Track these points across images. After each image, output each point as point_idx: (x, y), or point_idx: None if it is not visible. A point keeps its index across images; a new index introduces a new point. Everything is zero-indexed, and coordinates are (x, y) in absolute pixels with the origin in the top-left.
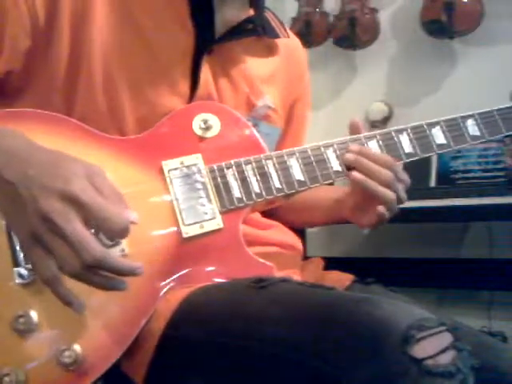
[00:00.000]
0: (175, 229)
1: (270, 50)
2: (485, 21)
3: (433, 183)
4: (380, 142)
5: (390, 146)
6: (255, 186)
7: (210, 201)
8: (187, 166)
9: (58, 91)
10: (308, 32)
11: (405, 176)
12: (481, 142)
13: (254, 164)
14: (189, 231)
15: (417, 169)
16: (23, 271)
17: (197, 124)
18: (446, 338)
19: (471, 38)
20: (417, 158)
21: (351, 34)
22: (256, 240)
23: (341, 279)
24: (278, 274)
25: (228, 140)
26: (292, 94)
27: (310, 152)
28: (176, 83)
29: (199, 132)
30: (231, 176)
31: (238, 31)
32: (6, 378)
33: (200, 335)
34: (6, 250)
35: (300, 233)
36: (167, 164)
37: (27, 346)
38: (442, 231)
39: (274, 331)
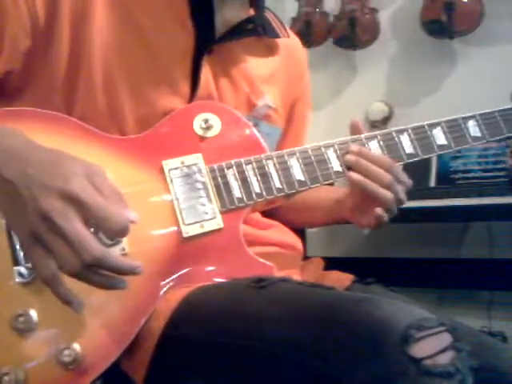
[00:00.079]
0: (175, 228)
1: (271, 50)
2: (485, 21)
3: (433, 183)
4: (381, 143)
5: (391, 146)
6: (255, 186)
7: (210, 200)
8: (188, 166)
9: (57, 91)
10: (308, 32)
11: (405, 177)
12: (481, 143)
13: (254, 164)
14: (189, 231)
15: (417, 169)
16: (23, 270)
17: (197, 124)
18: (446, 339)
19: (471, 37)
20: (417, 158)
21: (351, 34)
22: (256, 240)
23: (341, 279)
24: (278, 274)
25: (228, 140)
26: (292, 93)
27: (310, 152)
28: (176, 83)
29: (200, 132)
30: (231, 176)
31: (239, 31)
32: (6, 378)
33: (200, 335)
34: (6, 249)
35: (300, 233)
36: (168, 163)
37: (27, 345)
38: (442, 231)
39: (273, 331)
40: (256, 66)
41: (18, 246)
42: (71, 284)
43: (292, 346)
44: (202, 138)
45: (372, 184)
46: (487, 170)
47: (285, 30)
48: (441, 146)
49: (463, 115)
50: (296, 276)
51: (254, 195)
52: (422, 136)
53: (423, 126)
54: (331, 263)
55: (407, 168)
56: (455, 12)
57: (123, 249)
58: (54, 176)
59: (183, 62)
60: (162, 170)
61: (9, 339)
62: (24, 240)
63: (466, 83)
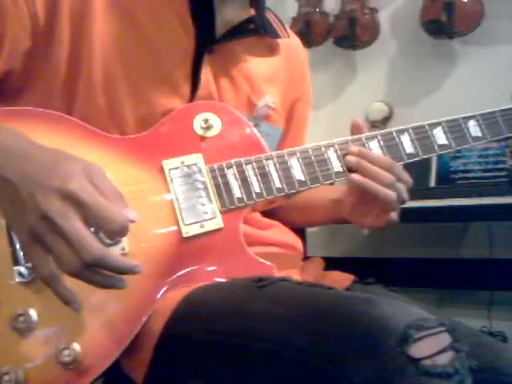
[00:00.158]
0: (175, 228)
1: (271, 50)
2: (485, 21)
3: (433, 183)
4: (381, 143)
5: (391, 146)
6: (256, 186)
7: (210, 200)
8: (188, 166)
9: (58, 91)
10: (308, 32)
11: (406, 176)
12: (481, 143)
13: (254, 164)
14: (189, 231)
15: (417, 169)
16: (23, 270)
17: (197, 123)
18: (445, 339)
19: (471, 37)
20: (418, 158)
21: (351, 34)
22: (256, 240)
23: (341, 279)
24: (278, 273)
25: (229, 140)
26: (293, 93)
27: (310, 152)
28: (176, 83)
29: (200, 131)
30: (232, 176)
31: (239, 31)
32: (6, 377)
33: (199, 334)
34: (6, 248)
35: (300, 233)
36: (168, 163)
37: (27, 345)
38: (442, 231)
39: (273, 330)
40: (256, 66)
41: (18, 246)
42: (71, 284)
43: (292, 345)
44: (202, 138)
45: (374, 184)
46: (487, 170)
47: (285, 30)
48: (441, 146)
49: (464, 115)
50: (296, 276)
51: (254, 195)
52: (422, 136)
53: (424, 126)
54: (331, 263)
55: (407, 168)
56: (455, 12)
57: (123, 248)
58: (54, 176)
59: (183, 62)
60: (162, 170)
61: (9, 339)
62: (24, 240)
63: (465, 83)
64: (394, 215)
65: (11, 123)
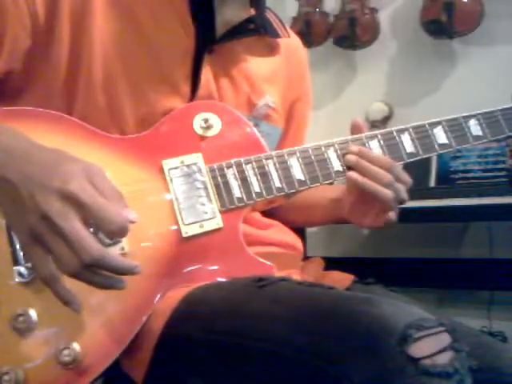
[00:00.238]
0: (175, 228)
1: (271, 50)
2: (485, 21)
3: (433, 183)
4: (381, 142)
5: (392, 145)
6: (255, 186)
7: (210, 200)
8: (187, 165)
9: (58, 90)
10: (308, 32)
11: (406, 176)
12: (481, 143)
13: (254, 163)
14: (189, 230)
15: (417, 169)
16: (23, 270)
17: (197, 123)
18: (445, 339)
19: (471, 37)
20: (418, 157)
21: (351, 34)
22: (256, 240)
23: (341, 279)
24: (278, 273)
25: (228, 139)
26: (293, 93)
27: (310, 152)
28: (177, 83)
29: (200, 131)
30: (231, 175)
31: (239, 31)
32: (6, 377)
33: (199, 334)
34: (6, 248)
35: (300, 233)
36: (167, 163)
37: (26, 345)
38: (442, 231)
39: (273, 330)
40: (256, 65)
41: (17, 246)
42: (71, 284)
43: (292, 345)
44: (202, 138)
45: (372, 183)
46: (487, 170)
47: (285, 29)
48: (442, 145)
49: (464, 114)
50: (296, 276)
51: (253, 195)
52: (422, 135)
53: (424, 125)
54: (331, 263)
55: (407, 168)
56: (455, 12)
57: (122, 248)
58: (54, 176)
59: (184, 62)
60: (161, 170)
61: (9, 339)
62: (24, 240)
63: (465, 83)
64: (393, 215)
65: (11, 123)
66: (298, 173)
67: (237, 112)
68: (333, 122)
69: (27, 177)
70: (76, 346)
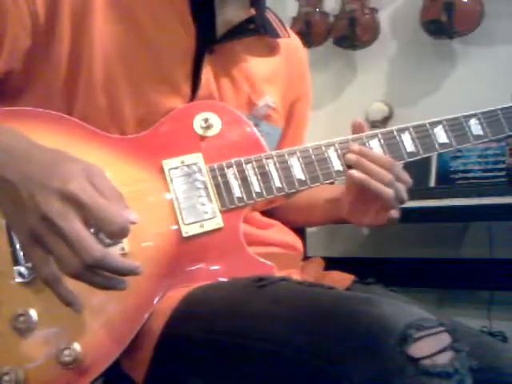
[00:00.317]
0: (175, 228)
1: (271, 50)
2: (485, 21)
3: (433, 183)
4: (382, 141)
5: (392, 145)
6: (256, 186)
7: (210, 200)
8: (188, 165)
9: (58, 91)
10: (308, 32)
11: (406, 176)
12: (482, 142)
13: (254, 163)
14: (189, 230)
15: (417, 169)
16: (23, 270)
17: (197, 123)
18: (445, 339)
19: (471, 37)
20: (419, 157)
21: (351, 34)
22: (256, 240)
23: (341, 279)
24: (278, 273)
25: (229, 139)
26: (293, 93)
27: (311, 151)
28: (177, 83)
29: (200, 131)
30: (232, 175)
31: (240, 31)
32: (6, 377)
33: (200, 334)
34: (6, 248)
35: (300, 233)
36: (168, 163)
37: (27, 345)
38: (442, 231)
39: (273, 330)
40: (257, 65)
41: (17, 246)
42: (71, 284)
43: (292, 345)
44: (202, 138)
45: (373, 182)
46: (487, 170)
47: (285, 29)
48: (442, 145)
49: (465, 113)
50: (296, 276)
51: (254, 194)
52: (423, 134)
53: (424, 125)
54: (331, 263)
55: (407, 168)
56: (455, 12)
57: (123, 248)
58: (54, 176)
59: (184, 62)
60: (162, 170)
61: (9, 339)
62: (24, 241)
63: (465, 83)
64: (395, 213)
65: (11, 123)
66: (298, 172)
67: (237, 112)
68: (333, 122)
69: (27, 177)
70: (76, 346)
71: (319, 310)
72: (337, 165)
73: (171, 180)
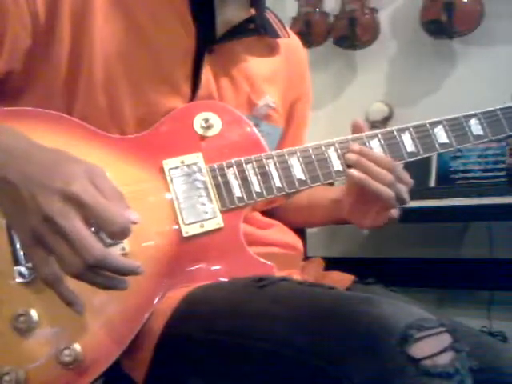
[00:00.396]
0: (176, 228)
1: (271, 50)
2: (485, 21)
3: (433, 183)
4: (382, 141)
5: (392, 145)
6: (256, 185)
7: (210, 200)
8: (188, 165)
9: (58, 90)
10: (308, 32)
11: (407, 177)
12: (482, 142)
13: (254, 163)
14: (189, 230)
15: (417, 169)
16: (23, 270)
17: (198, 123)
18: (445, 339)
19: (471, 37)
20: (419, 157)
21: (351, 34)
22: (256, 240)
23: (341, 279)
24: (279, 273)
25: (229, 139)
26: (293, 93)
27: (311, 151)
28: (177, 83)
29: (200, 131)
30: (232, 175)
31: (239, 31)
32: (6, 377)
33: (200, 334)
34: (7, 248)
35: (300, 233)
36: (168, 163)
37: (27, 345)
38: (442, 231)
39: (274, 330)
40: (257, 65)
41: (18, 246)
42: (71, 285)
43: (292, 345)
44: (203, 138)
45: (374, 182)
46: (487, 170)
47: (285, 29)
48: (442, 145)
49: (465, 113)
50: (296, 276)
51: (254, 194)
52: (423, 134)
53: (425, 125)
54: (331, 263)
55: (407, 168)
56: (455, 12)
57: (123, 248)
58: (55, 177)
59: (184, 62)
60: (162, 170)
61: (9, 339)
62: (25, 241)
63: (465, 83)
64: (395, 212)
65: (11, 123)
66: (298, 172)
67: (237, 112)
68: (333, 122)
69: (28, 177)
70: (77, 346)
71: (319, 310)
72: (337, 165)
73: (171, 180)
